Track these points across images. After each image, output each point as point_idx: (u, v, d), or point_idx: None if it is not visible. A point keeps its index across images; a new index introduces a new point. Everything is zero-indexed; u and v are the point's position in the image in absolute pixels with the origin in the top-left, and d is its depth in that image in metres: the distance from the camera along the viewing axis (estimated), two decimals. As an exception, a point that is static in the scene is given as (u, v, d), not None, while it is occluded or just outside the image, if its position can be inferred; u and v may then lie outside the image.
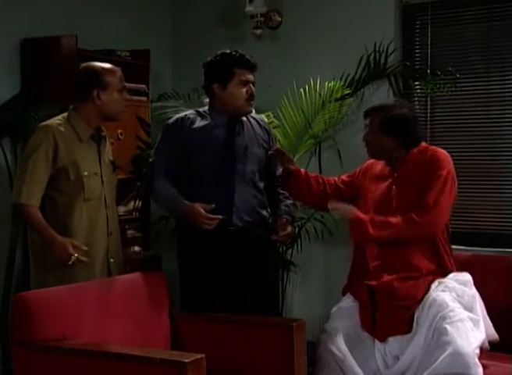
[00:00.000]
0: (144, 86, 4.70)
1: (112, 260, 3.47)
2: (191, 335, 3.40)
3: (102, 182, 3.44)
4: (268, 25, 4.99)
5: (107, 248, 3.45)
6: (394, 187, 3.48)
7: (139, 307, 3.26)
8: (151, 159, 3.61)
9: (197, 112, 3.60)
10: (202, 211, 3.36)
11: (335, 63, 4.71)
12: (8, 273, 4.06)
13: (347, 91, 4.49)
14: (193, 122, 3.53)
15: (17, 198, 3.28)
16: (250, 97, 3.51)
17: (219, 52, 3.56)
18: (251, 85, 3.51)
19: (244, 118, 3.60)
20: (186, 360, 2.58)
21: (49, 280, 3.27)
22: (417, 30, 4.77)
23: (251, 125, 3.63)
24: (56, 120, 3.39)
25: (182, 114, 3.62)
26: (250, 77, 3.51)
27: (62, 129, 3.34)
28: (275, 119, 4.55)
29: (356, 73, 4.61)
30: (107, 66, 3.45)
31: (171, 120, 3.61)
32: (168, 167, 3.52)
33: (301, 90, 4.53)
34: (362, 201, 3.56)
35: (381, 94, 4.67)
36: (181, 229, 3.61)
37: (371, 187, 3.57)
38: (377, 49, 4.60)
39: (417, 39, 4.77)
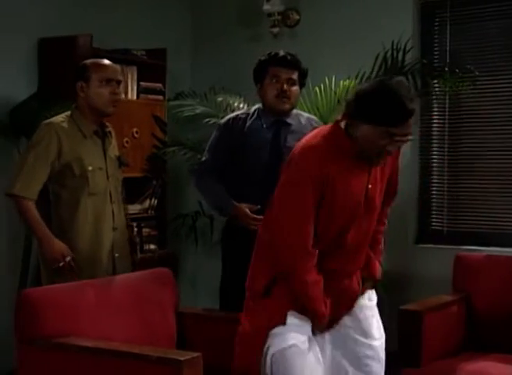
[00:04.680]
0: (160, 85, 4.71)
1: (117, 255, 3.50)
2: (199, 334, 3.39)
3: (107, 177, 3.47)
4: (285, 23, 4.98)
5: (112, 243, 3.48)
6: (370, 185, 2.72)
7: (145, 305, 3.25)
8: (203, 158, 3.65)
9: (247, 112, 3.62)
10: (248, 212, 3.43)
11: (352, 61, 4.65)
12: (23, 270, 4.09)
13: (363, 90, 4.43)
14: (243, 123, 3.57)
15: (11, 188, 3.33)
16: (281, 93, 3.47)
17: None
18: (286, 82, 3.48)
19: (295, 119, 3.58)
20: (182, 358, 2.58)
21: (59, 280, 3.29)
22: (436, 28, 4.71)
23: (302, 126, 3.59)
24: (59, 118, 3.44)
25: (233, 114, 3.67)
26: (285, 74, 3.48)
27: (65, 126, 3.38)
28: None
29: (372, 71, 4.56)
30: (98, 60, 3.49)
31: (223, 120, 3.67)
32: (218, 166, 3.58)
33: (316, 88, 4.49)
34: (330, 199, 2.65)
35: (398, 92, 4.62)
36: (228, 229, 3.64)
37: (340, 185, 2.64)
38: (394, 47, 4.55)
39: (436, 36, 4.71)
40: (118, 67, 3.62)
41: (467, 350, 3.68)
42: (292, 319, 2.68)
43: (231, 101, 4.50)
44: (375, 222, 2.81)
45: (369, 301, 2.88)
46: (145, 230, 4.64)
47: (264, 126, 3.55)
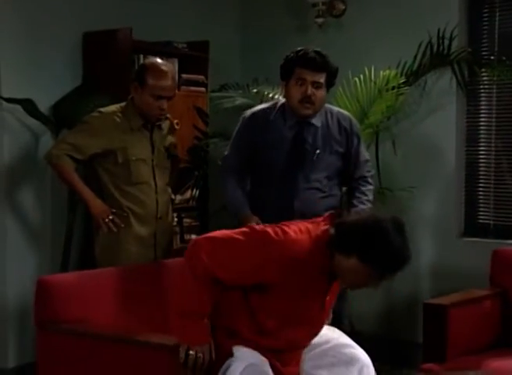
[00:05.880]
0: (202, 77, 4.74)
1: (158, 243, 3.57)
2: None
3: (153, 168, 3.54)
4: (331, 13, 4.91)
5: (155, 232, 3.56)
6: (328, 297, 2.69)
7: (163, 294, 3.28)
8: (226, 152, 3.58)
9: (274, 106, 3.49)
10: None
11: (399, 51, 4.59)
12: (66, 249, 4.16)
13: (402, 80, 4.34)
14: (267, 118, 3.44)
15: (49, 154, 3.50)
16: (305, 98, 3.30)
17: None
18: (311, 86, 3.30)
19: (322, 118, 3.43)
20: (181, 345, 2.61)
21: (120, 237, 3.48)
22: (485, 15, 4.56)
23: (328, 127, 3.45)
24: (113, 107, 3.57)
25: (259, 107, 3.54)
26: (311, 78, 3.29)
27: (115, 116, 3.51)
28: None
29: (415, 60, 4.47)
30: (161, 67, 3.50)
31: (248, 113, 3.54)
32: (241, 162, 3.51)
33: (356, 79, 4.41)
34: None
35: (444, 82, 4.54)
36: None
37: (295, 291, 2.57)
38: (440, 35, 4.45)
39: (485, 23, 4.56)
40: (174, 81, 3.62)
41: (500, 347, 3.56)
42: (239, 350, 2.59)
43: (266, 93, 4.46)
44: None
45: None
46: (186, 221, 4.68)
47: (287, 124, 3.41)
